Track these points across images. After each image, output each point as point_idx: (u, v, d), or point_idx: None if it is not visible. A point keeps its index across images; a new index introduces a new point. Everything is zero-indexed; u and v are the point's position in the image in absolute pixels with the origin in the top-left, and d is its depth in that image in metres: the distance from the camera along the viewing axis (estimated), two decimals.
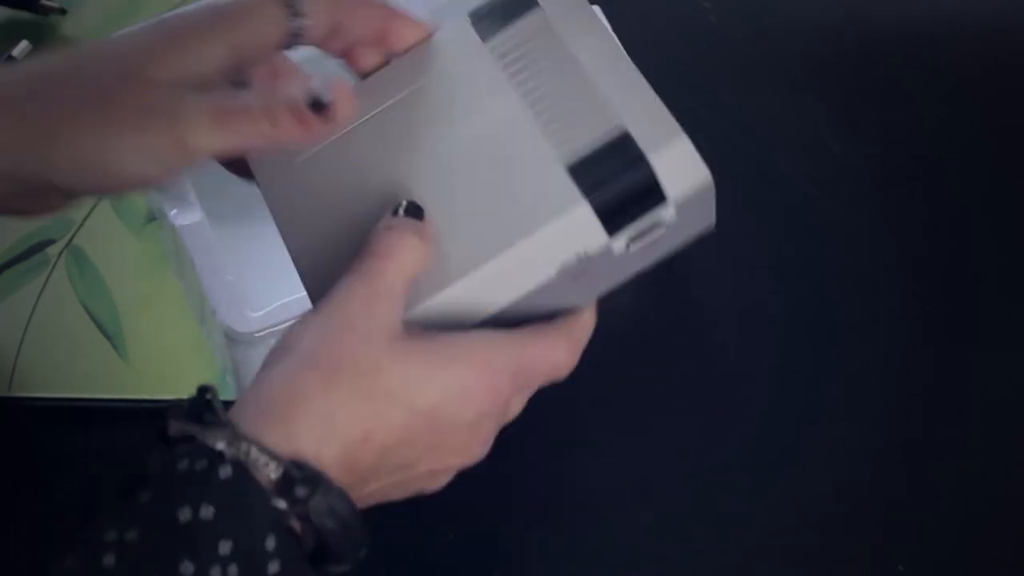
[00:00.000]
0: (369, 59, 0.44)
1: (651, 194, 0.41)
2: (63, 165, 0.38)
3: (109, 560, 0.32)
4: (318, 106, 0.37)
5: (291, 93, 0.38)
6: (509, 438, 0.60)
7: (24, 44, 0.69)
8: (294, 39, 0.41)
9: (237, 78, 0.41)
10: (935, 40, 0.79)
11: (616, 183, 0.40)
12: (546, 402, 0.62)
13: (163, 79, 0.38)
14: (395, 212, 0.40)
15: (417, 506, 0.58)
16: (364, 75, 0.44)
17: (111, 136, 0.37)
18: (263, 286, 0.55)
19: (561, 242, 0.41)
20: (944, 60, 0.78)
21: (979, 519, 0.59)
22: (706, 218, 0.43)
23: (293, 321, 0.40)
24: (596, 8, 0.47)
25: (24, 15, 0.72)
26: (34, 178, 0.39)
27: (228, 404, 0.37)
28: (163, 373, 0.62)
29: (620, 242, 0.41)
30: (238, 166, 0.44)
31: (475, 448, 0.41)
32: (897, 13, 0.80)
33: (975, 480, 0.60)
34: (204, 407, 0.36)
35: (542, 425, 0.61)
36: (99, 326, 0.63)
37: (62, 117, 0.38)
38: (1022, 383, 0.63)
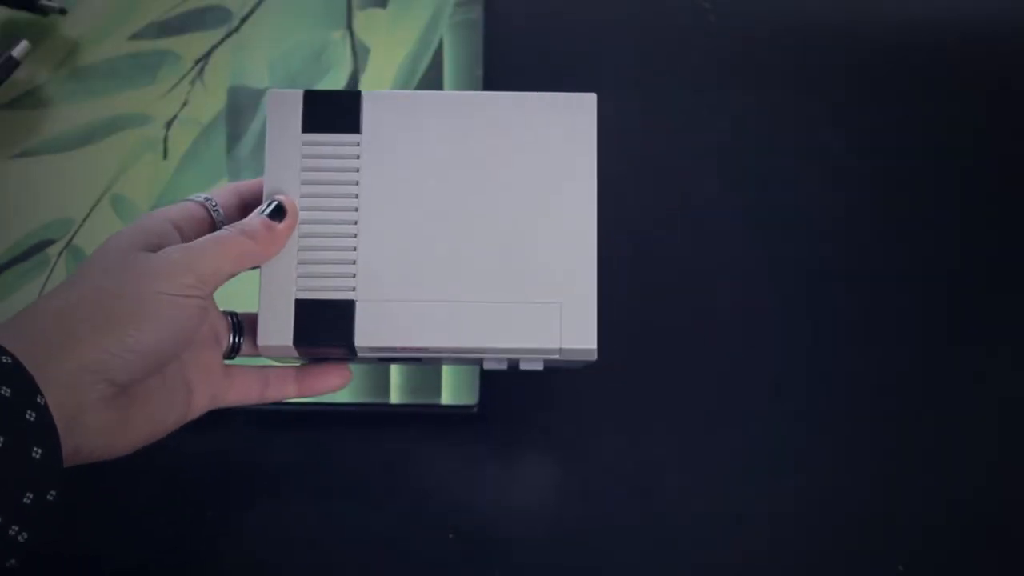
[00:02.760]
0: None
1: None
2: (114, 340, 0.45)
3: None
4: (279, 212, 0.50)
5: (253, 217, 0.50)
6: (508, 438, 0.61)
7: (24, 44, 0.69)
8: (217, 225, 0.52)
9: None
10: (935, 40, 0.79)
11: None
12: (546, 402, 0.62)
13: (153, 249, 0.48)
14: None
15: (417, 506, 0.58)
16: None
17: (137, 299, 0.46)
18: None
19: None
20: (944, 60, 0.78)
21: (979, 519, 0.59)
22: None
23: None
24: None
25: (24, 15, 0.72)
26: (101, 366, 0.45)
27: None
28: None
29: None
30: None
31: None
32: (897, 13, 0.80)
33: (975, 480, 0.60)
34: None
35: (542, 426, 0.61)
36: None
37: (89, 309, 0.45)
38: (1022, 382, 0.63)
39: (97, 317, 0.45)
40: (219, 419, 0.59)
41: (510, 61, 0.75)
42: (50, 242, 0.66)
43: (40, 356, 0.43)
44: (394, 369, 0.61)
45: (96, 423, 0.45)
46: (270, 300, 0.50)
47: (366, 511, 0.58)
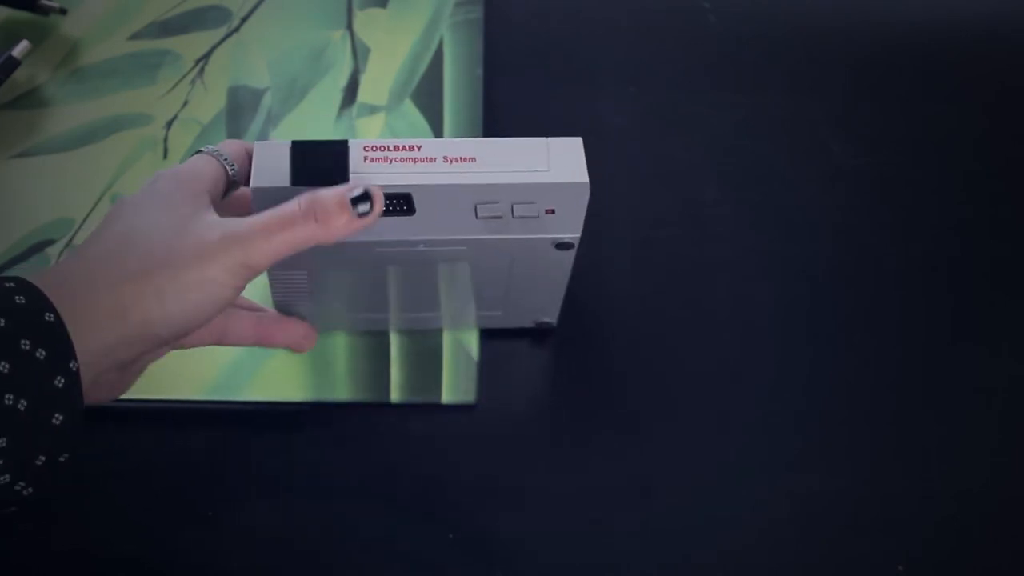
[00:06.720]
0: None
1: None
2: (157, 317, 0.44)
3: None
4: (365, 198, 0.46)
5: (331, 194, 0.46)
6: (508, 438, 0.61)
7: (24, 44, 0.69)
8: (232, 184, 0.51)
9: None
10: (935, 40, 0.79)
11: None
12: (545, 401, 0.62)
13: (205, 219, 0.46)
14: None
15: (417, 506, 0.58)
16: None
17: (186, 279, 0.44)
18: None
19: None
20: (944, 60, 0.78)
21: (979, 519, 0.59)
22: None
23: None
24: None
25: (24, 15, 0.73)
26: (138, 341, 0.44)
27: None
28: (162, 373, 0.62)
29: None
30: None
31: None
32: (897, 13, 0.80)
33: (975, 480, 0.60)
34: None
35: (542, 425, 0.61)
36: None
37: (138, 280, 0.44)
38: (1022, 382, 0.63)
39: (146, 291, 0.44)
40: (219, 418, 0.60)
41: (510, 61, 0.75)
42: (50, 242, 0.66)
43: (81, 315, 0.42)
44: (394, 368, 0.61)
45: (109, 380, 0.47)
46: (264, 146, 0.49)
47: (366, 511, 0.58)
